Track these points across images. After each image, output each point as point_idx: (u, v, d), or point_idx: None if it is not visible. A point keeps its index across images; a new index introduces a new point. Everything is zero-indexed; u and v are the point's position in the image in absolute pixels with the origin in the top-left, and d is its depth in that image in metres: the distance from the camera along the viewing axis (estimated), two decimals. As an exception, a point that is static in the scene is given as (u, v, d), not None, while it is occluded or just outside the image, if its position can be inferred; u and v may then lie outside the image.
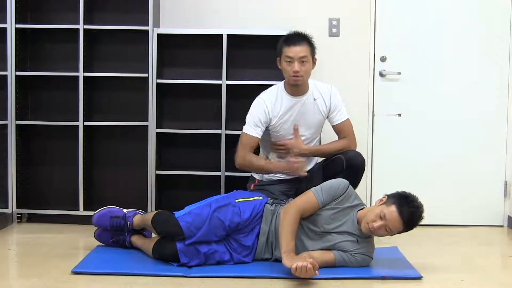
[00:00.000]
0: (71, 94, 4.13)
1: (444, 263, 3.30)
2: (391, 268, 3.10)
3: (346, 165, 3.43)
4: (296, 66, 3.42)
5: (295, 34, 3.52)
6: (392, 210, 2.95)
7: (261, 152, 3.71)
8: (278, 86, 3.62)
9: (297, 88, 3.53)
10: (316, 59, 3.55)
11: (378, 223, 2.95)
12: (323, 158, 3.67)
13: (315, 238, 3.09)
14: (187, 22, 4.26)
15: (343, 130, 3.61)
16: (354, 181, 3.39)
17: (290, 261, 2.82)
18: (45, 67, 4.19)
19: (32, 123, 4.15)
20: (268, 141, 3.64)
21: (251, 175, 3.72)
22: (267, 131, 3.59)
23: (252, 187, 3.65)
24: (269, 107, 3.53)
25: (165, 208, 3.59)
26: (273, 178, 3.62)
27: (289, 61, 3.45)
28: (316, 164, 3.70)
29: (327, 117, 3.63)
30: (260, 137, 3.55)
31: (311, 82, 3.60)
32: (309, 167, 3.64)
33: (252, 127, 3.54)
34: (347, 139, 3.61)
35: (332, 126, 3.65)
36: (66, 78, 4.14)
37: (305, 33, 3.52)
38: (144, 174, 4.10)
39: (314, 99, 3.57)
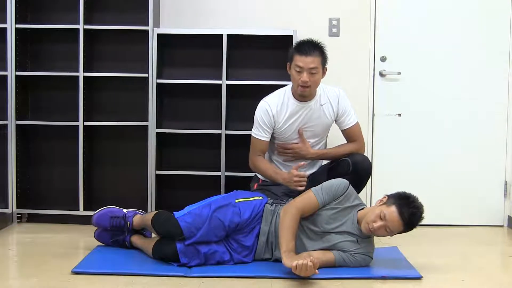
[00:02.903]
0: (71, 94, 4.13)
1: (444, 263, 3.30)
2: (391, 268, 3.10)
3: (352, 168, 3.40)
4: (305, 76, 3.37)
5: (308, 43, 3.44)
6: (392, 211, 2.95)
7: (266, 153, 3.70)
8: (285, 90, 3.58)
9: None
10: (326, 69, 3.49)
11: (378, 223, 2.95)
12: (329, 161, 3.66)
13: (315, 238, 3.08)
14: (187, 22, 4.26)
15: (352, 134, 3.59)
16: (359, 186, 3.38)
17: (290, 261, 2.82)
18: (45, 67, 4.19)
19: (32, 123, 4.15)
20: (273, 143, 3.63)
21: (255, 175, 3.71)
22: (273, 134, 3.58)
23: (255, 186, 3.64)
24: (274, 110, 3.51)
25: (165, 208, 3.60)
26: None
27: (299, 71, 3.39)
28: (321, 166, 3.69)
29: (335, 121, 3.61)
30: (267, 140, 3.55)
31: (319, 86, 3.54)
32: (313, 170, 3.64)
33: (259, 130, 3.54)
34: (356, 143, 3.59)
35: (341, 131, 3.63)
36: (66, 78, 4.13)
37: (318, 42, 3.46)
38: (144, 174, 4.10)
39: (321, 105, 3.54)
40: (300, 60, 3.38)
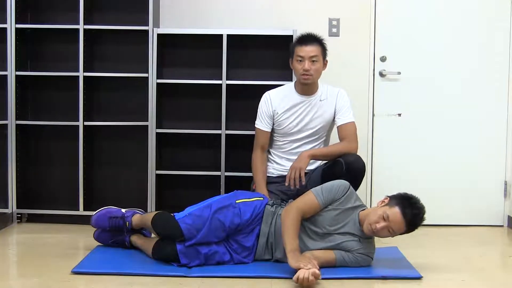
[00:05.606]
0: (71, 94, 4.13)
1: (444, 263, 3.30)
2: (391, 268, 3.10)
3: (345, 168, 3.38)
4: (307, 64, 3.51)
5: (307, 35, 3.60)
6: (395, 212, 2.94)
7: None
8: (289, 85, 3.71)
9: (306, 87, 3.59)
10: (327, 61, 3.63)
11: (381, 224, 2.95)
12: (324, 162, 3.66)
13: (317, 239, 3.08)
14: (187, 22, 4.26)
15: (344, 133, 3.57)
16: (354, 186, 3.37)
17: (296, 261, 2.82)
18: (45, 67, 4.19)
19: (32, 123, 4.15)
20: (273, 135, 3.69)
21: None
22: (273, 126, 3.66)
23: (254, 186, 3.66)
24: (273, 100, 3.63)
25: (165, 208, 3.60)
26: (273, 176, 3.66)
27: (300, 60, 3.53)
28: (317, 167, 3.69)
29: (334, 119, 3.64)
30: (268, 130, 3.65)
31: (322, 84, 3.65)
32: (313, 166, 3.65)
33: (260, 120, 3.66)
34: (344, 142, 3.56)
35: (337, 128, 3.64)
36: (66, 78, 4.13)
37: (317, 35, 3.60)
38: (144, 174, 4.10)
39: (321, 100, 3.61)
40: (301, 50, 3.53)
